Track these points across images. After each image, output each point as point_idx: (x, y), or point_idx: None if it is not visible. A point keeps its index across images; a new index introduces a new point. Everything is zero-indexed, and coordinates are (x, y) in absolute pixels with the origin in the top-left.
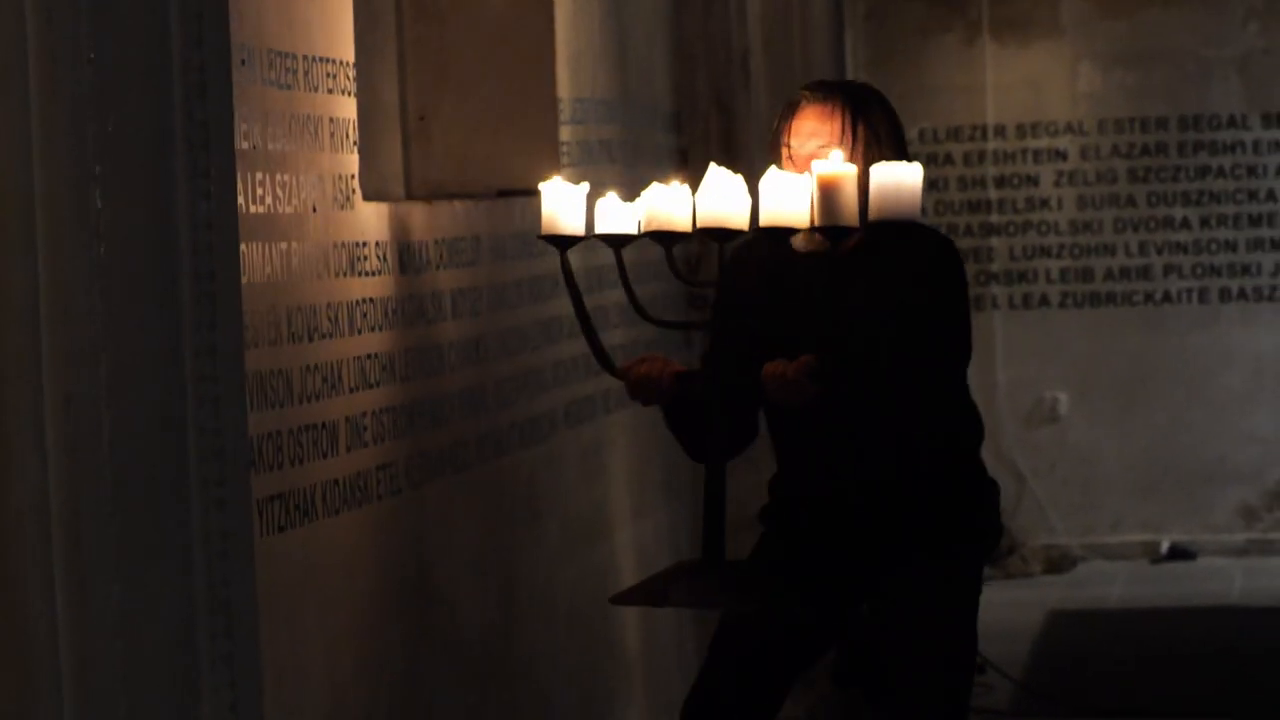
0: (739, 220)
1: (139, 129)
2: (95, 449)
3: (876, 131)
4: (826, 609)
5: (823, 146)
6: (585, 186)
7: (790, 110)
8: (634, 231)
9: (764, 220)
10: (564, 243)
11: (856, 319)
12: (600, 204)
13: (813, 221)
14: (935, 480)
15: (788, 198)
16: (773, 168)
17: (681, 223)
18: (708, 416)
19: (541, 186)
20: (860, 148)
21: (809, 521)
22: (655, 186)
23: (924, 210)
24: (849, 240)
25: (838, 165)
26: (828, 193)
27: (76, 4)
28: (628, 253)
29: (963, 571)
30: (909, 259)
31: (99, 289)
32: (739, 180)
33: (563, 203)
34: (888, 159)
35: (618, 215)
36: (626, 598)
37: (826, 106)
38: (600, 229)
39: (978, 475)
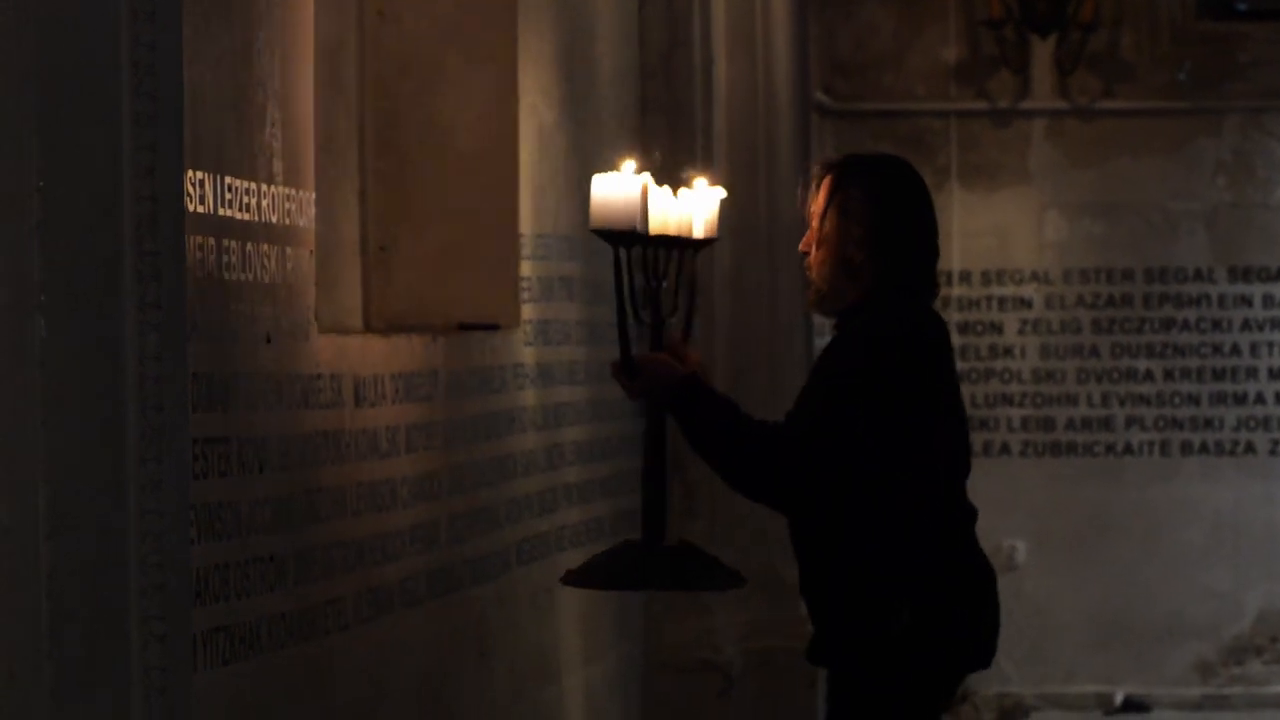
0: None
1: (87, 259)
2: (32, 582)
3: (846, 205)
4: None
5: (811, 214)
6: (643, 177)
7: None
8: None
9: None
10: (619, 240)
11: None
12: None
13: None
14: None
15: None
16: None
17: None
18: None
19: (595, 178)
20: (832, 215)
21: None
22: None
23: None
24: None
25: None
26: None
27: (25, 131)
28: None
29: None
30: (839, 347)
31: (40, 418)
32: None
33: (616, 195)
34: (854, 233)
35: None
36: (575, 580)
37: (820, 176)
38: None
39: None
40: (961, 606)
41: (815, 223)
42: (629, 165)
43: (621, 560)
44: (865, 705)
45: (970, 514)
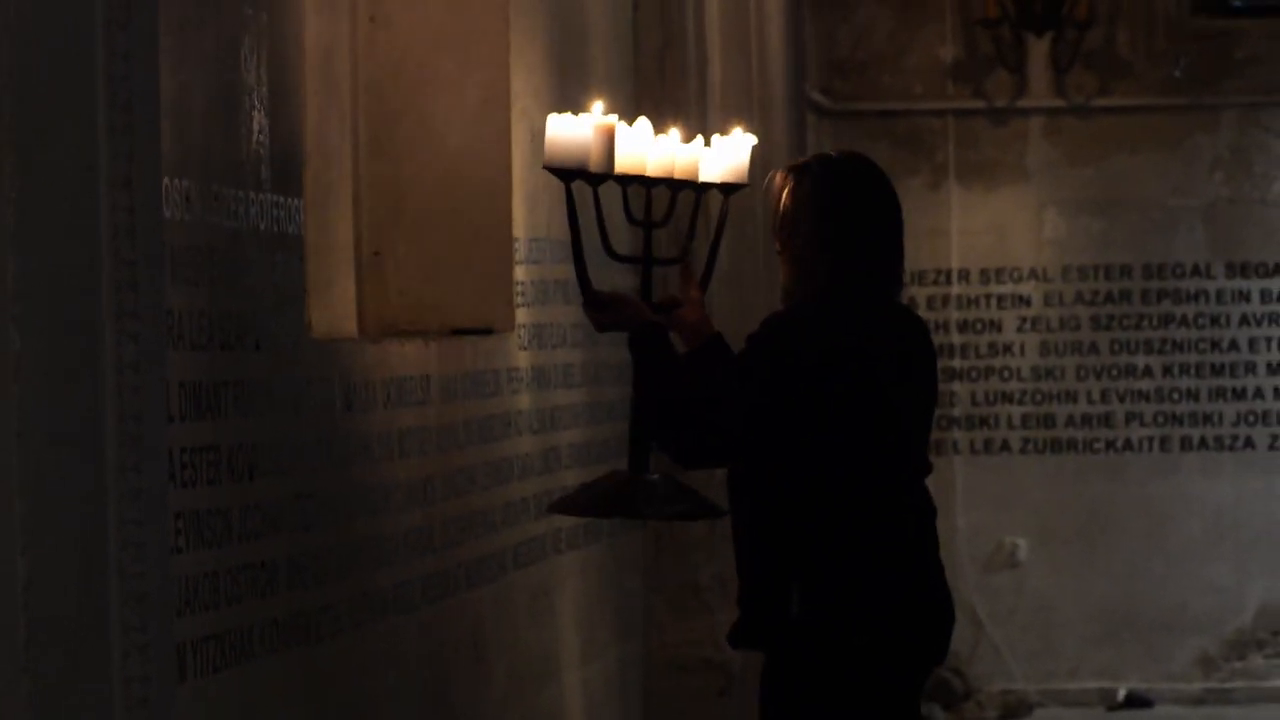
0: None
1: (62, 269)
2: (7, 595)
3: (796, 204)
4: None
5: (773, 214)
6: (591, 117)
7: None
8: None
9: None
10: (568, 176)
11: None
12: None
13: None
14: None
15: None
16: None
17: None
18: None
19: (550, 117)
20: (787, 214)
21: None
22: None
23: None
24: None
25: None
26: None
27: None
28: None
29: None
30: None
31: (14, 430)
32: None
33: (566, 134)
34: (803, 230)
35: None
36: (562, 507)
37: (784, 176)
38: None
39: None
40: (868, 601)
41: (774, 221)
42: (597, 106)
43: (607, 489)
44: (784, 694)
45: (917, 511)
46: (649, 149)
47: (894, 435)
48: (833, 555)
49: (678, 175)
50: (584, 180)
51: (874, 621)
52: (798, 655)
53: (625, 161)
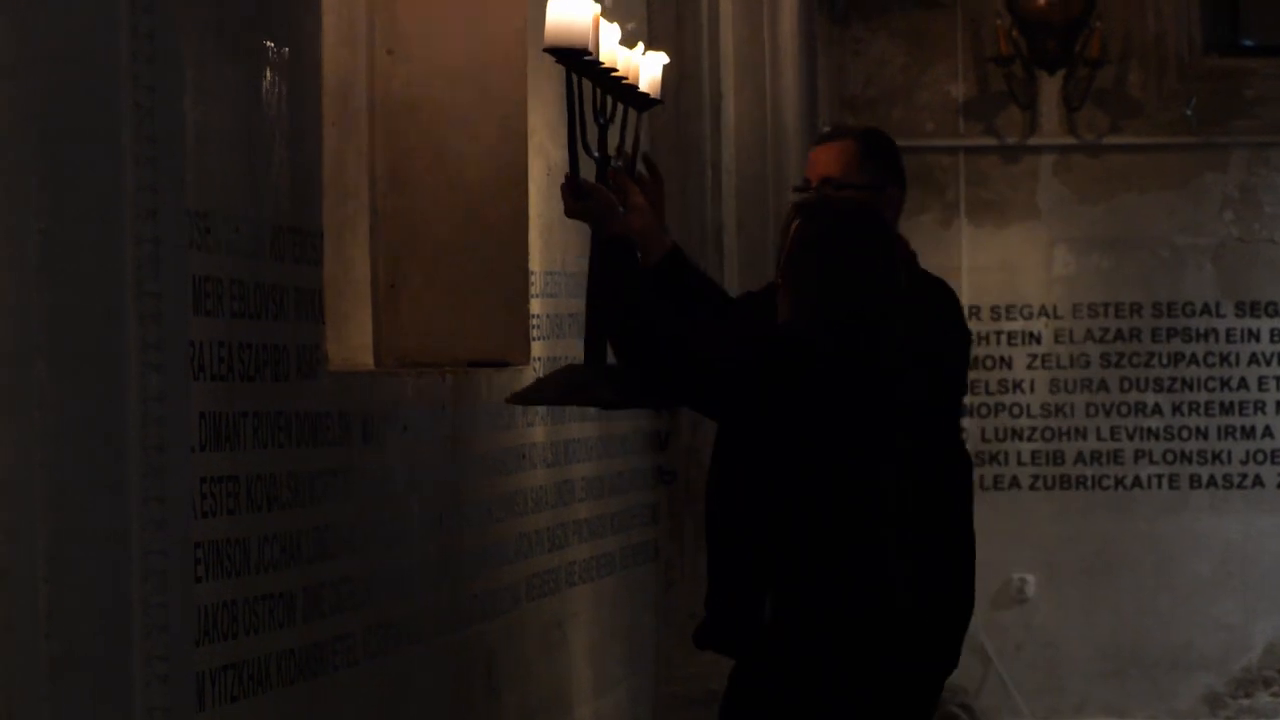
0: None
1: (88, 301)
2: (31, 624)
3: (799, 245)
4: None
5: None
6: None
7: None
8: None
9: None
10: (569, 56)
11: None
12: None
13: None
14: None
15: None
16: None
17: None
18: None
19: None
20: (789, 254)
21: None
22: None
23: None
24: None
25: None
26: None
27: (26, 174)
28: None
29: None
30: None
31: (39, 460)
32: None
33: (568, 16)
34: (802, 267)
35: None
36: (523, 398)
37: (790, 216)
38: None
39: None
40: (840, 612)
41: (780, 258)
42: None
43: (567, 380)
44: (750, 700)
45: (953, 536)
46: (615, 49)
47: (896, 435)
48: (810, 564)
49: (629, 81)
50: (575, 67)
51: (844, 633)
52: (766, 662)
53: (604, 56)
